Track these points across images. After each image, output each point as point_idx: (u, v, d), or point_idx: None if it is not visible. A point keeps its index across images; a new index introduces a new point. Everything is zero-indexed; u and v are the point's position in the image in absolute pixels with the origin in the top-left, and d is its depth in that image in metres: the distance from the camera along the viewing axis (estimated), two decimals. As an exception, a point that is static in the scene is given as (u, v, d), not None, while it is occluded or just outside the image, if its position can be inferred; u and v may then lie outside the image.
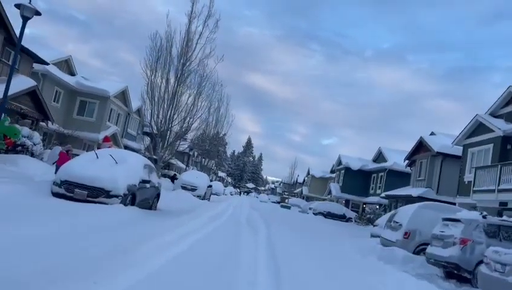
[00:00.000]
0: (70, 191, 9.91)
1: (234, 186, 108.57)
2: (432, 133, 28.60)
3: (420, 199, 24.18)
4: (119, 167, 10.71)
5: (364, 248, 12.95)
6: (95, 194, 9.92)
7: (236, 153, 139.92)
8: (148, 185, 11.99)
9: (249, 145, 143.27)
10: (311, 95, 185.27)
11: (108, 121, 29.44)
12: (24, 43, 13.87)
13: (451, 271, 10.00)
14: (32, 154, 16.87)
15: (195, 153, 49.66)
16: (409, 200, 25.95)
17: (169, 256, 5.92)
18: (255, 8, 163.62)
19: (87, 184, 9.92)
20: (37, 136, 17.32)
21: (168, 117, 19.97)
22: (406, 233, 12.34)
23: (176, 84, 19.64)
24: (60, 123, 26.21)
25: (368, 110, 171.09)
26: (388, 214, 16.98)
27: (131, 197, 10.76)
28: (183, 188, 25.01)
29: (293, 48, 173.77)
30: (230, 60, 72.18)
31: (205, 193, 26.34)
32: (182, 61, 19.59)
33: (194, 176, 27.25)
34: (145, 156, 21.43)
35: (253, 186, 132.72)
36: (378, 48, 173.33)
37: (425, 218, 12.36)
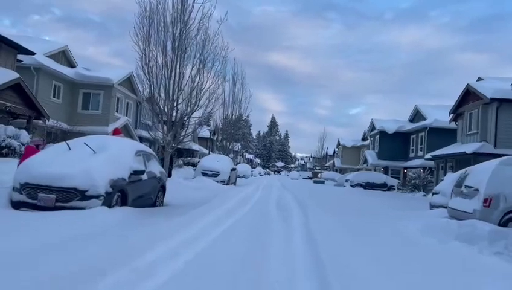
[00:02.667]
0: (33, 197, 7.37)
1: (263, 167, 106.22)
2: (480, 79, 24.84)
3: (475, 155, 20.89)
4: (98, 157, 8.05)
5: (431, 226, 9.83)
6: (65, 197, 7.34)
7: (261, 134, 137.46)
8: (144, 177, 9.31)
9: (273, 124, 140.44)
10: (333, 66, 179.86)
11: (117, 111, 27.06)
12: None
13: None
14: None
15: (219, 138, 47.09)
16: (462, 158, 22.60)
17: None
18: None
19: (53, 185, 7.33)
20: (24, 135, 14.97)
21: (171, 93, 17.20)
22: (485, 200, 9.26)
23: (173, 54, 16.77)
24: (64, 120, 24.01)
25: (392, 73, 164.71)
26: (450, 177, 13.79)
27: (119, 195, 8.14)
28: (204, 174, 22.62)
29: (309, 20, 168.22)
30: (247, 41, 69.08)
31: (229, 178, 23.82)
32: (178, 25, 16.70)
33: (214, 160, 24.71)
34: (161, 145, 19.14)
35: (283, 164, 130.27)
36: (397, 8, 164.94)
37: (509, 177, 9.32)
